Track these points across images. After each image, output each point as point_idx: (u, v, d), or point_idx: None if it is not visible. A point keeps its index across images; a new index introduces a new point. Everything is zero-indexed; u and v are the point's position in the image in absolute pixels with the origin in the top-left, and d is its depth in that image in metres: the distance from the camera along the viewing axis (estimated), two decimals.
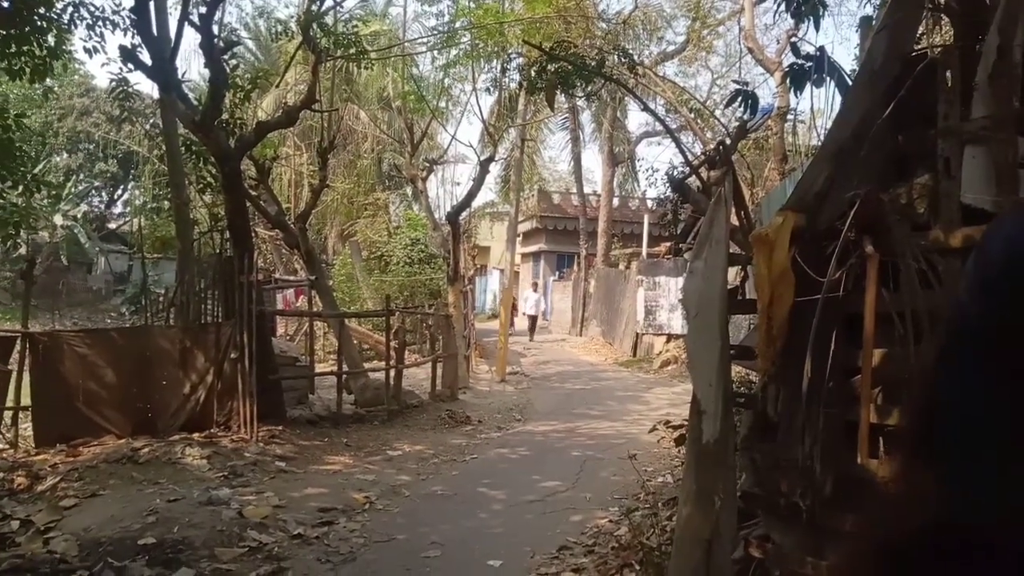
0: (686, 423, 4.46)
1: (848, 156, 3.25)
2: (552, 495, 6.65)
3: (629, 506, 6.04)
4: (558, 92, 7.06)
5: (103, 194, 36.57)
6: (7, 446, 7.54)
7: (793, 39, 8.08)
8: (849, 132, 3.33)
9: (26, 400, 7.66)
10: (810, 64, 5.60)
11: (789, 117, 12.58)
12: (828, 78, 5.63)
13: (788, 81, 6.58)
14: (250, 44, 25.60)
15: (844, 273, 2.98)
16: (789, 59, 7.28)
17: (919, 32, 3.75)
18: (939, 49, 3.47)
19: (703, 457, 3.40)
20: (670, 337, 16.82)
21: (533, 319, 24.49)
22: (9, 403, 7.60)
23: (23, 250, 25.48)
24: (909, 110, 3.15)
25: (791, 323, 3.14)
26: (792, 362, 3.16)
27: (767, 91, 19.55)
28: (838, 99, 5.56)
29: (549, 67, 6.25)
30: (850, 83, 5.11)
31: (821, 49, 5.50)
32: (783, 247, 3.11)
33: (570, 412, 11.68)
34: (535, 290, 25.45)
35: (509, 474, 7.51)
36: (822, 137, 4.81)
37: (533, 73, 6.81)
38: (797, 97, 6.15)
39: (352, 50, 10.37)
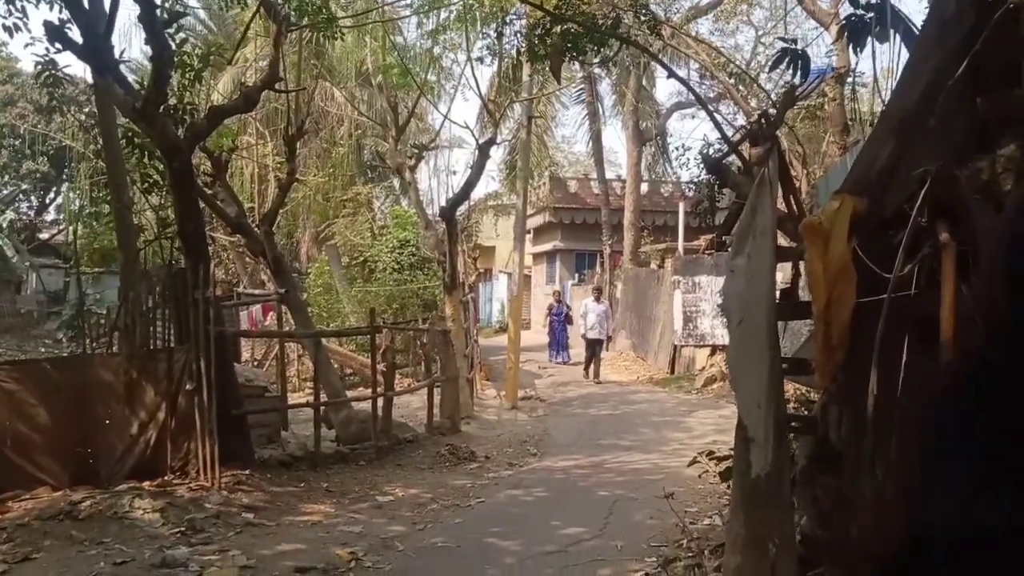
0: (733, 453, 4.44)
1: (916, 125, 3.23)
2: (575, 544, 6.62)
3: (668, 555, 6.00)
4: (566, 60, 7.04)
5: (32, 198, 36.97)
6: None
7: None
8: (916, 96, 3.30)
9: None
10: (871, 15, 5.58)
11: (849, 80, 12.55)
12: (893, 31, 5.60)
13: (845, 37, 6.56)
14: (201, 14, 25.82)
15: (916, 267, 2.95)
16: (846, 10, 7.25)
17: None
18: None
19: (753, 495, 3.38)
20: (715, 349, 16.77)
21: (596, 346, 18.96)
22: None
23: None
24: (989, 67, 3.12)
25: (854, 329, 3.11)
26: (857, 377, 3.13)
27: (821, 49, 19.55)
28: (906, 56, 5.53)
29: (554, 29, 6.25)
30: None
31: None
32: (841, 238, 3.10)
33: (596, 443, 11.65)
34: (599, 299, 19.72)
35: (523, 520, 7.48)
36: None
37: (535, 38, 6.81)
38: (857, 55, 6.10)
39: (320, 17, 10.42)
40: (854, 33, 5.87)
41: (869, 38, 5.73)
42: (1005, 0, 3.19)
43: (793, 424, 3.80)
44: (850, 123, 12.72)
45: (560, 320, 21.99)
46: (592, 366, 18.75)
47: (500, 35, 11.78)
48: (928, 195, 2.88)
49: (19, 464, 7.69)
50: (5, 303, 30.86)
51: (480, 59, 14.86)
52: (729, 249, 4.24)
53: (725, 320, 3.80)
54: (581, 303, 20.43)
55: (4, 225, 30.20)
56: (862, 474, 3.18)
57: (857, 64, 10.63)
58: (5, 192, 32.56)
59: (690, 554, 5.84)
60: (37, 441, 7.82)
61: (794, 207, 3.99)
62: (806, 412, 4.91)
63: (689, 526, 6.55)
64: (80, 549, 6.24)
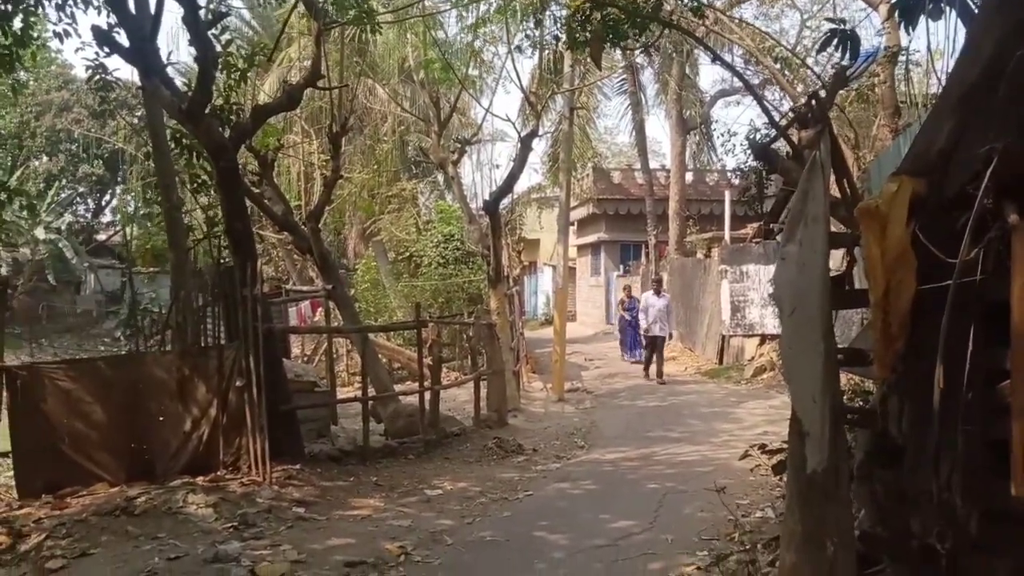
0: (785, 446, 4.30)
1: (979, 101, 3.07)
2: (625, 538, 6.52)
3: (721, 549, 5.87)
4: (607, 46, 6.92)
5: (89, 201, 37.88)
6: None
7: None
8: (978, 71, 3.13)
9: (5, 444, 7.88)
10: None
11: (900, 60, 12.15)
12: (947, 7, 5.40)
13: (896, 15, 6.34)
14: (246, 15, 26.17)
15: (981, 251, 2.80)
16: None
17: None
18: None
19: (809, 491, 3.25)
20: (764, 338, 16.48)
21: (657, 344, 17.30)
22: None
23: (3, 270, 26.53)
24: None
25: (914, 317, 2.96)
26: (918, 367, 2.99)
27: (870, 30, 19.06)
28: (962, 34, 5.32)
29: (594, 15, 6.13)
30: (976, 11, 4.87)
31: None
32: (899, 221, 2.95)
33: (644, 435, 11.51)
34: (659, 292, 17.64)
35: (571, 514, 7.41)
36: (944, 83, 4.59)
37: (575, 24, 6.70)
38: (909, 34, 5.92)
39: (360, 12, 10.40)
40: (906, 11, 5.67)
41: (921, 16, 5.53)
42: None
43: (850, 416, 3.65)
44: (902, 105, 12.34)
45: (633, 316, 20.13)
46: (654, 365, 17.18)
47: (539, 22, 11.65)
48: (994, 174, 2.73)
49: (77, 460, 7.84)
50: (65, 303, 31.69)
51: (518, 48, 14.73)
52: (779, 236, 4.09)
53: (777, 310, 3.66)
54: (641, 297, 18.76)
55: (63, 227, 30.91)
56: (924, 468, 3.04)
57: (909, 44, 10.27)
58: (63, 195, 33.31)
59: (743, 548, 5.70)
60: (94, 438, 7.96)
61: (848, 191, 3.83)
62: (862, 404, 4.75)
63: (741, 519, 6.41)
64: (136, 544, 6.31)
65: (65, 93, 32.93)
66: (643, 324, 17.68)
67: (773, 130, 5.52)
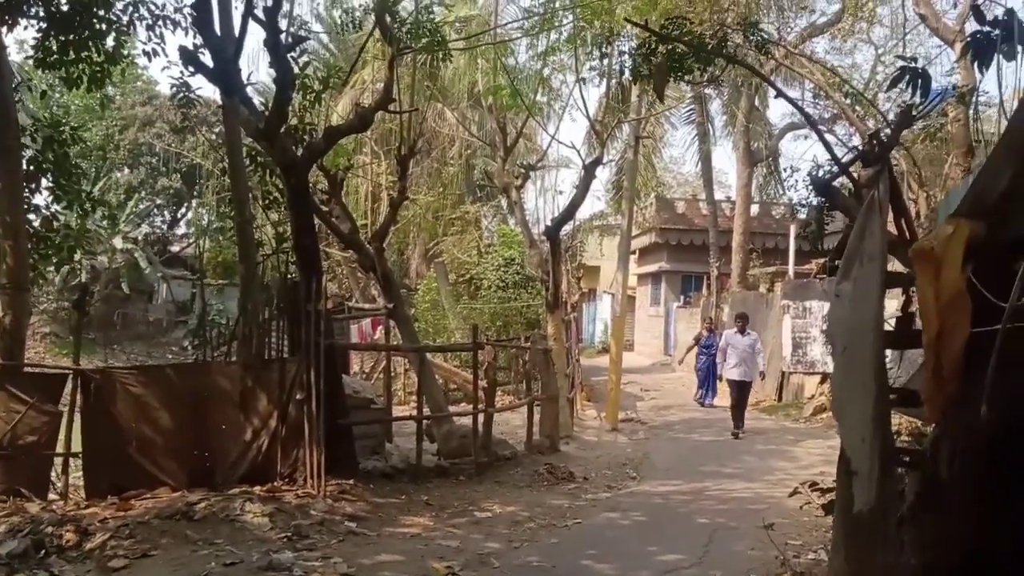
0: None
1: None
2: (672, 572, 6.45)
3: None
4: (671, 79, 6.97)
5: (165, 213, 39.16)
6: (58, 497, 8.11)
7: (976, 1, 7.71)
8: None
9: (76, 446, 8.21)
10: (998, 32, 5.31)
11: (975, 99, 11.90)
12: (1022, 48, 5.32)
13: (970, 55, 6.26)
14: (324, 39, 26.92)
15: None
16: (973, 27, 6.89)
17: None
18: None
19: (856, 530, 3.23)
20: (825, 376, 16.14)
21: (743, 390, 14.70)
22: (59, 449, 8.18)
23: (82, 276, 27.59)
24: None
25: (967, 361, 2.93)
26: (970, 411, 2.95)
27: (945, 68, 18.69)
28: None
29: (659, 49, 6.19)
30: None
31: (1011, 12, 5.21)
32: (954, 264, 2.93)
33: (697, 469, 11.37)
34: (744, 330, 15.09)
35: (620, 544, 7.36)
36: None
37: (639, 58, 6.76)
38: (982, 74, 5.82)
39: (432, 39, 10.66)
40: (979, 51, 5.60)
41: (995, 56, 5.46)
42: None
43: (901, 458, 3.61)
44: (975, 144, 12.06)
45: (710, 354, 17.78)
46: (738, 414, 14.59)
47: (603, 55, 11.82)
48: None
49: (142, 464, 8.13)
50: (138, 311, 32.78)
51: (583, 80, 14.92)
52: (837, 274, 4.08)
53: (830, 347, 3.66)
54: (722, 335, 16.25)
55: (139, 238, 32.05)
56: (973, 513, 3.00)
57: (981, 83, 10.07)
58: (142, 207, 34.54)
59: None
60: (159, 443, 8.25)
61: (906, 231, 3.81)
62: (918, 446, 4.66)
63: (792, 559, 6.29)
64: (194, 549, 6.47)
65: (149, 108, 34.25)
66: (726, 366, 15.02)
67: (836, 166, 5.49)
